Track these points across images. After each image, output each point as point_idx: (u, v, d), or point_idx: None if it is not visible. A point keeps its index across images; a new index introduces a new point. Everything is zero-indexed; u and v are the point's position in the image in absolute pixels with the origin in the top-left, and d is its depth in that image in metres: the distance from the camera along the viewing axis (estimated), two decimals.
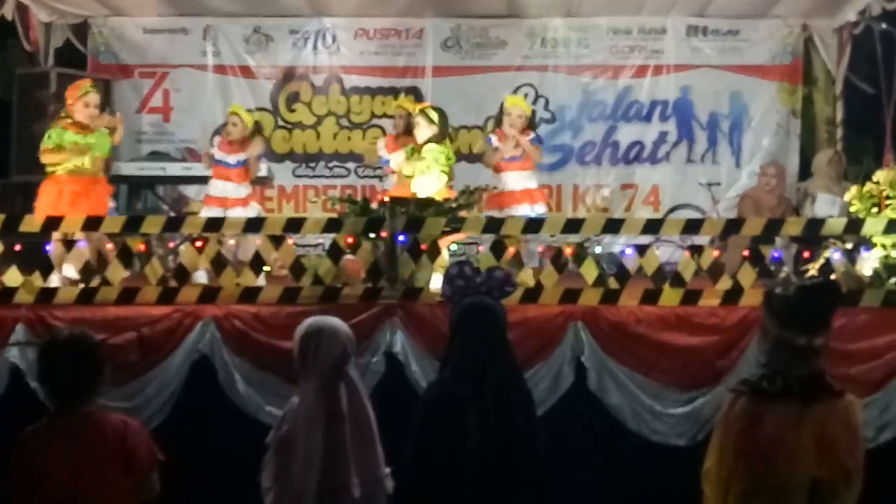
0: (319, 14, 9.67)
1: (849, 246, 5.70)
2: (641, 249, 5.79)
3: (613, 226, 5.85)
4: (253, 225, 5.92)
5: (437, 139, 7.24)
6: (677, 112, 9.73)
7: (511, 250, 5.73)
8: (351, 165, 9.81)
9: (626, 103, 9.77)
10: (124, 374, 5.07)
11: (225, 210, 7.10)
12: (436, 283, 5.48)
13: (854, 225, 5.63)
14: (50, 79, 8.55)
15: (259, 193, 8.43)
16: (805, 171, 9.12)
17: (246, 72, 9.78)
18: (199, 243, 5.81)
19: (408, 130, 8.12)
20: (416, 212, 5.74)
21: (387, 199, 6.01)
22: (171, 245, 6.64)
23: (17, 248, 5.70)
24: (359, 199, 6.16)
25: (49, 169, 6.62)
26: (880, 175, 5.75)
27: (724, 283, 5.57)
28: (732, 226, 5.82)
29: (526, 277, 5.73)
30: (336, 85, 9.85)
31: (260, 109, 9.67)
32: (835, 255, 5.66)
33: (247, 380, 5.36)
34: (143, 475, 3.49)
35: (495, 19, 9.68)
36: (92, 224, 5.72)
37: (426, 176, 6.98)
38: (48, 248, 5.88)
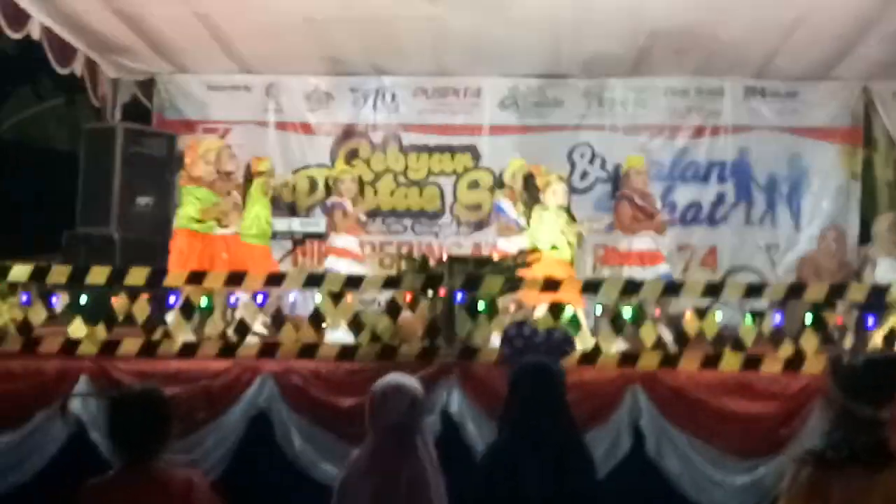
0: (379, 73, 9.82)
1: None
2: (701, 313, 5.73)
3: (673, 288, 5.81)
4: (313, 281, 5.97)
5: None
6: (735, 173, 9.68)
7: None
8: (408, 222, 9.88)
9: (683, 164, 9.75)
10: (186, 427, 5.10)
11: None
12: (495, 342, 5.48)
13: None
14: (117, 134, 8.73)
15: None
16: (865, 235, 9.00)
17: (306, 128, 9.96)
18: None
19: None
20: (474, 270, 5.76)
21: (445, 257, 6.04)
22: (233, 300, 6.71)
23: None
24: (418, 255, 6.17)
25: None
26: None
27: (787, 350, 5.49)
28: (795, 290, 5.74)
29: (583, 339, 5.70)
30: (394, 143, 9.96)
31: (319, 166, 9.83)
32: None
33: (303, 436, 5.38)
34: None
35: (551, 79, 9.75)
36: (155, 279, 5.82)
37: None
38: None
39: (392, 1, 7.75)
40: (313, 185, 9.86)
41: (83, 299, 5.86)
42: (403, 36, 8.66)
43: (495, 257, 6.56)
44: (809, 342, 5.44)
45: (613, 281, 6.24)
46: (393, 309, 5.74)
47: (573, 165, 9.72)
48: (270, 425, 5.41)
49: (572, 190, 9.54)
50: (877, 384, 3.20)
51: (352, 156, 9.93)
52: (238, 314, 6.26)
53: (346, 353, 5.60)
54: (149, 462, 3.49)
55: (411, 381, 3.94)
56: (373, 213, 9.69)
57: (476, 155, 9.83)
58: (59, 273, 5.86)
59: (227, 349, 5.66)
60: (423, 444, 3.86)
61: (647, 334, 5.64)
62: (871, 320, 5.89)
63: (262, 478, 5.35)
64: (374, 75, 9.87)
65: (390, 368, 4.55)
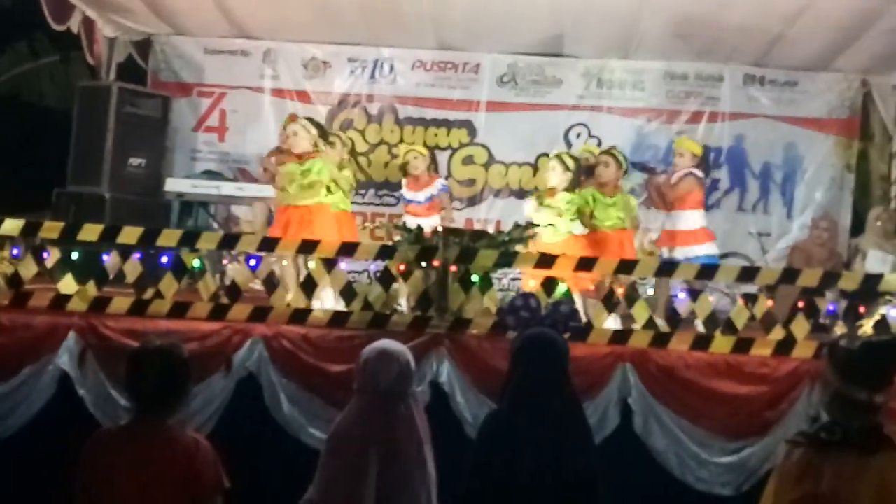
0: (378, 44, 9.77)
1: None
2: (693, 295, 5.75)
3: (667, 269, 5.81)
4: (306, 247, 5.95)
5: (570, 188, 7.08)
6: (730, 160, 9.68)
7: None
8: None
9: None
10: None
11: None
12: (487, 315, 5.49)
13: None
14: (111, 93, 8.67)
15: None
16: (857, 227, 9.03)
17: (303, 96, 9.89)
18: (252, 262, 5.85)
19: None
20: (468, 243, 5.74)
21: (440, 228, 6.03)
22: (226, 262, 6.68)
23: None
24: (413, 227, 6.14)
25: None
26: None
27: (777, 334, 5.50)
28: (788, 276, 5.75)
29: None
30: (390, 115, 9.92)
31: None
32: (891, 311, 5.58)
33: (292, 400, 5.38)
34: (203, 498, 3.47)
35: (552, 58, 9.71)
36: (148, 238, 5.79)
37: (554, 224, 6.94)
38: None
39: None
40: None
41: (74, 255, 5.83)
42: (405, 8, 8.60)
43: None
44: (800, 327, 5.45)
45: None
46: (385, 278, 5.73)
47: (569, 145, 9.68)
48: (259, 388, 5.40)
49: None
50: (873, 368, 3.22)
51: (347, 126, 9.88)
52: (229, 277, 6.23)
53: (337, 319, 5.58)
54: (161, 419, 3.48)
55: (400, 347, 3.93)
56: (365, 185, 9.67)
57: (472, 130, 9.79)
58: (50, 229, 5.83)
59: (218, 310, 5.63)
60: (411, 410, 3.83)
61: (639, 313, 5.65)
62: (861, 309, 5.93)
63: (248, 441, 5.33)
64: (373, 46, 9.80)
65: (381, 336, 4.55)
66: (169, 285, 5.72)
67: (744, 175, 9.68)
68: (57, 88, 11.19)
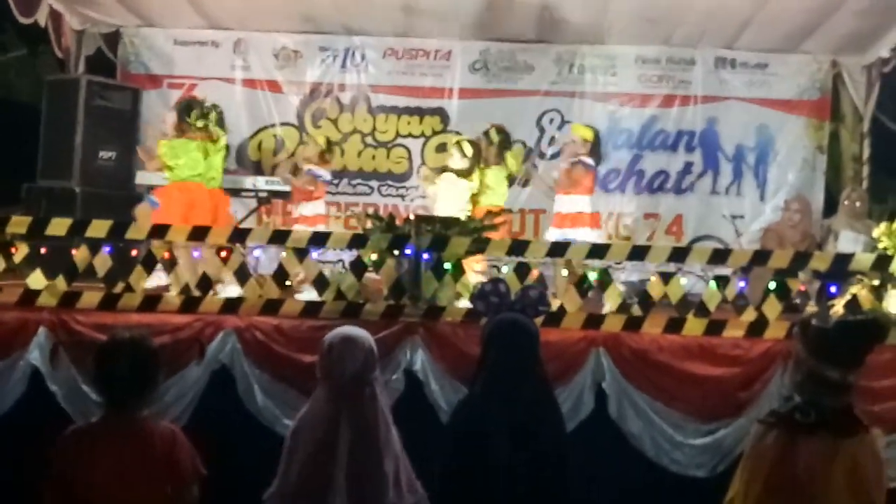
0: (349, 33, 9.72)
1: (876, 283, 5.65)
2: (665, 278, 5.75)
3: (639, 253, 5.82)
4: (278, 238, 5.92)
5: (465, 174, 7.56)
6: (703, 143, 9.72)
7: (535, 273, 5.71)
8: (374, 183, 9.84)
9: (651, 132, 9.76)
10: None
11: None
12: (461, 302, 5.47)
13: (882, 262, 5.59)
14: (80, 86, 8.57)
15: None
16: (829, 208, 9.08)
17: (274, 86, 9.84)
18: (223, 253, 5.81)
19: None
20: (441, 231, 5.73)
21: (412, 216, 6.01)
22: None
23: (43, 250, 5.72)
24: (384, 216, 6.13)
25: None
26: None
27: (749, 315, 5.52)
28: (759, 257, 5.76)
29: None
30: (363, 103, 9.88)
31: (284, 125, 9.76)
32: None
33: (265, 391, 5.35)
34: (182, 486, 3.46)
35: (524, 44, 9.70)
36: (117, 231, 5.73)
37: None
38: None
39: None
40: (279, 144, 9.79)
41: (42, 251, 5.77)
42: None
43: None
44: (772, 308, 5.47)
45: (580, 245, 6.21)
46: (358, 267, 5.71)
47: (542, 131, 9.70)
48: (233, 380, 5.37)
49: (540, 155, 9.59)
50: (847, 348, 3.24)
51: (319, 116, 9.83)
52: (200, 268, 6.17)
53: (309, 309, 5.56)
54: (134, 411, 3.45)
55: (363, 333, 3.93)
56: (339, 174, 9.62)
57: (445, 118, 9.77)
58: (18, 223, 5.76)
59: (190, 303, 5.59)
60: (375, 392, 3.85)
61: (612, 297, 5.65)
62: (833, 289, 5.97)
63: (223, 432, 5.29)
64: (345, 35, 9.76)
65: (354, 325, 4.53)
66: (139, 278, 5.68)
67: (717, 158, 9.72)
68: (25, 82, 11.10)
